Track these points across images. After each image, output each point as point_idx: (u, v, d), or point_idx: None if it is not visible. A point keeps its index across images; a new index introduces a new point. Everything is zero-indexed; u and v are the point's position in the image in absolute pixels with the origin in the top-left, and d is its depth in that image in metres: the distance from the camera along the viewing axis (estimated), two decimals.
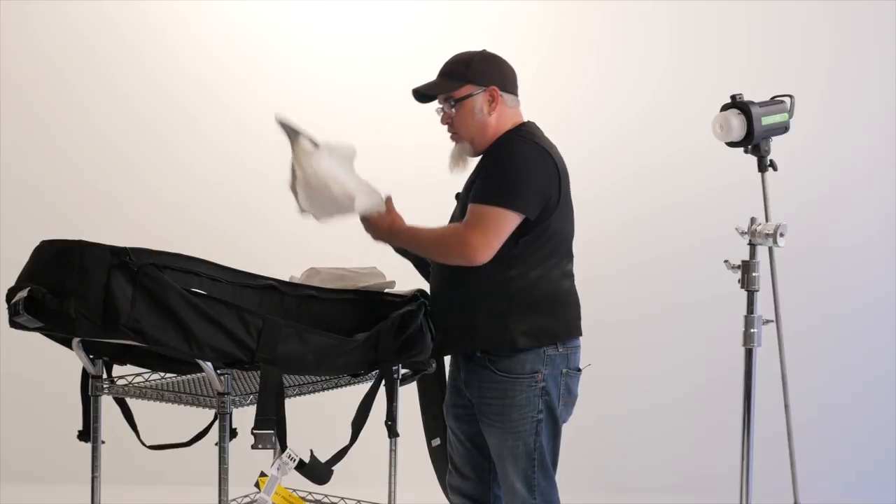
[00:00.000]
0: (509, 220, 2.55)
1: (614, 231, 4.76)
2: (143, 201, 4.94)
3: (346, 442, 2.82)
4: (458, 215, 2.72)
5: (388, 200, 2.73)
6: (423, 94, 2.74)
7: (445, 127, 2.76)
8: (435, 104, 2.77)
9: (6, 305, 2.39)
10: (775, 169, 2.64)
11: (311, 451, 2.66)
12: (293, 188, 2.69)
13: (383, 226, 2.70)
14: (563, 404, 2.69)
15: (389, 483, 3.24)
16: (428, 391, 3.13)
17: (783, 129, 2.65)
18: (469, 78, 2.65)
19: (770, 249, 2.60)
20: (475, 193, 2.60)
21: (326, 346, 2.70)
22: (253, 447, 2.51)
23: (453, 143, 2.75)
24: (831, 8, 4.80)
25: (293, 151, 2.67)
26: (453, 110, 2.68)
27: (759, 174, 2.64)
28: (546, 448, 2.66)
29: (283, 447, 2.55)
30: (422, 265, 2.90)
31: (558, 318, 2.67)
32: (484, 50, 2.74)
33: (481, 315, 2.63)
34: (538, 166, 2.59)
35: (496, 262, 2.58)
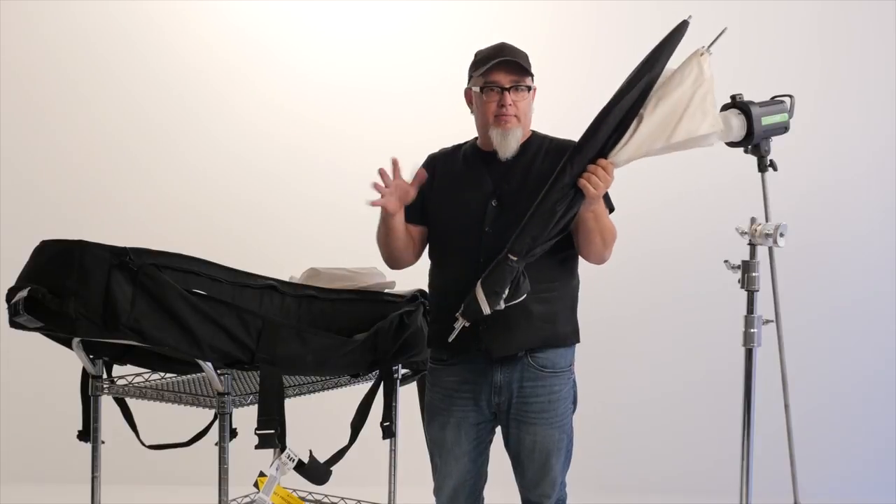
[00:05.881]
0: None
1: None
2: (144, 201, 4.94)
3: (346, 442, 2.82)
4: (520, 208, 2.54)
5: None
6: (517, 65, 2.60)
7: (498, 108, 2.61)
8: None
9: (6, 305, 2.39)
10: (775, 169, 2.64)
11: (311, 451, 2.66)
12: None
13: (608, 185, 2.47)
14: None
15: (389, 483, 3.24)
16: None
17: (783, 129, 2.64)
18: (531, 73, 2.65)
19: (770, 249, 2.60)
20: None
21: (326, 346, 2.71)
22: (257, 447, 2.51)
23: (498, 128, 2.60)
24: (831, 8, 4.81)
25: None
26: (525, 92, 2.61)
27: (759, 174, 2.64)
28: (573, 438, 2.75)
29: (283, 447, 2.55)
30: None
31: None
32: None
33: (561, 311, 2.65)
34: None
35: (573, 260, 2.68)
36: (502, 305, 2.42)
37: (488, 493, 2.82)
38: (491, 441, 2.75)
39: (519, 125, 2.62)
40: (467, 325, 2.48)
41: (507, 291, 2.41)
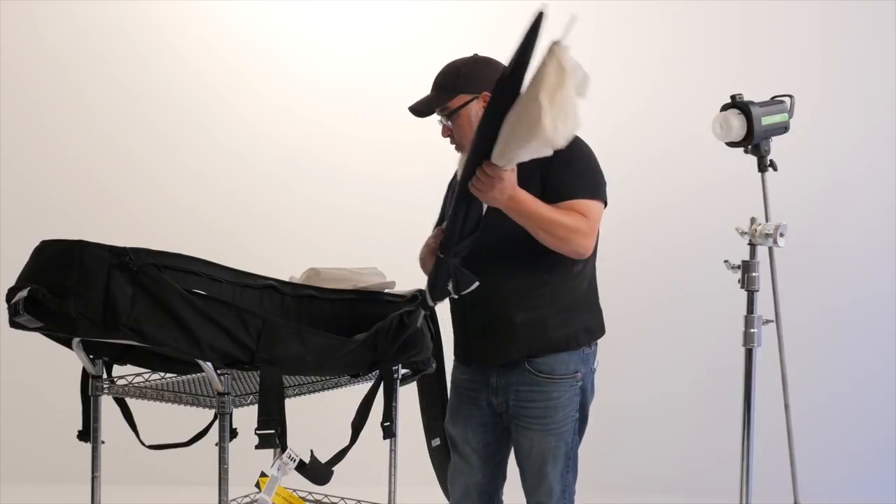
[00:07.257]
0: (602, 214, 2.56)
1: (613, 231, 4.71)
2: (144, 201, 4.94)
3: (346, 442, 2.82)
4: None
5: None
6: (420, 111, 2.63)
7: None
8: (435, 116, 2.68)
9: (6, 305, 2.38)
10: (775, 169, 2.64)
11: (312, 451, 2.66)
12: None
13: (509, 183, 2.35)
14: (591, 402, 2.72)
15: (389, 483, 3.24)
16: (428, 391, 3.13)
17: (783, 129, 2.65)
18: (459, 87, 2.59)
19: (770, 249, 2.60)
20: (569, 188, 2.49)
21: (326, 346, 2.70)
22: (257, 447, 2.51)
23: (459, 154, 2.67)
24: (830, 8, 4.81)
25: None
26: (450, 122, 2.61)
27: (759, 174, 2.64)
28: (577, 446, 2.68)
29: (284, 447, 2.55)
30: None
31: (596, 316, 2.72)
32: (474, 55, 2.68)
33: (553, 316, 2.57)
34: (596, 158, 2.61)
35: (565, 263, 2.56)
36: (456, 296, 2.48)
37: None
38: (506, 441, 2.73)
39: (465, 149, 2.60)
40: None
41: (449, 284, 2.44)
